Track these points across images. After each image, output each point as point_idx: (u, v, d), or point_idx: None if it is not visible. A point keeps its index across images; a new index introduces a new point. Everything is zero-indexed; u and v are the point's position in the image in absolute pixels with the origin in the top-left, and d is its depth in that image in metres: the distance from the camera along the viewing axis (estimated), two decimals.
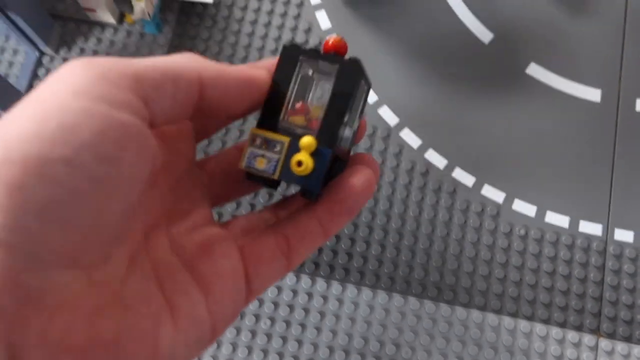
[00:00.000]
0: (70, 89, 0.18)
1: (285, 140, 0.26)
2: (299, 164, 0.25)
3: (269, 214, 0.29)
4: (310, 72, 0.27)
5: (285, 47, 0.27)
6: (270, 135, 0.26)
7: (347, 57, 0.27)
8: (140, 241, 0.23)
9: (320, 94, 0.27)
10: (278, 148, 0.26)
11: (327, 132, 0.26)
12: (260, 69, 0.26)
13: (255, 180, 0.27)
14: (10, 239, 0.17)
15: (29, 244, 0.17)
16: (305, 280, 0.73)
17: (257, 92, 0.25)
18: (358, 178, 0.26)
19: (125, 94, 0.19)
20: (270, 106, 0.27)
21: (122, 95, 0.19)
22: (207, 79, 0.22)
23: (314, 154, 0.26)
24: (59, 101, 0.18)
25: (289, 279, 0.73)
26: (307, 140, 0.26)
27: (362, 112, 0.29)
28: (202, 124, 0.28)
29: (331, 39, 0.28)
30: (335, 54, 0.27)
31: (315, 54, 0.27)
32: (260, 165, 0.26)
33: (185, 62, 0.22)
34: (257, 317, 0.72)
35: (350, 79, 0.26)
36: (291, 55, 0.27)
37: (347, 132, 0.28)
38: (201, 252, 0.23)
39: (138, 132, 0.19)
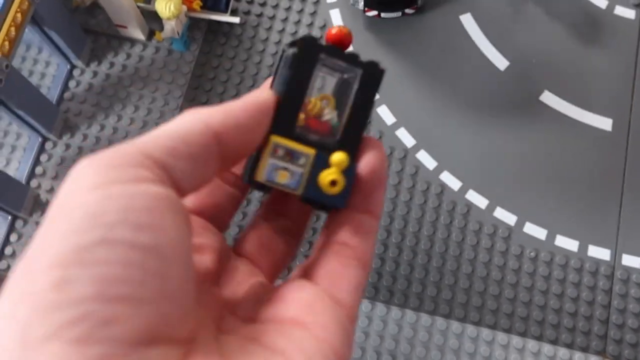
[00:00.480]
0: (84, 185, 0.18)
1: (311, 152, 0.24)
2: (333, 183, 0.24)
3: (272, 225, 0.27)
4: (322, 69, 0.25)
5: (305, 41, 0.25)
6: (294, 145, 0.24)
7: (350, 51, 0.26)
8: (218, 314, 0.23)
9: (320, 85, 0.25)
10: (303, 161, 0.24)
11: (351, 144, 0.25)
12: (264, 90, 0.25)
13: (257, 188, 0.26)
14: (82, 332, 0.16)
15: (103, 330, 0.17)
16: None
17: (269, 114, 0.24)
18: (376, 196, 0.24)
19: (136, 169, 0.19)
20: (287, 107, 0.24)
21: (133, 172, 0.19)
22: (216, 125, 0.21)
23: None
24: (77, 198, 0.18)
25: None
26: (340, 157, 0.24)
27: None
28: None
29: (335, 28, 0.26)
30: (354, 55, 0.25)
31: (337, 54, 0.25)
32: (282, 179, 0.24)
33: (189, 118, 0.21)
34: None
35: (372, 85, 0.25)
36: (310, 52, 0.25)
37: None
38: (270, 321, 0.22)
39: (163, 196, 0.19)
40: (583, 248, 0.77)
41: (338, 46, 0.25)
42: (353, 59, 0.25)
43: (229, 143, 0.22)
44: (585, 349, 0.73)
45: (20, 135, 0.84)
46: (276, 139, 0.24)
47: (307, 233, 0.31)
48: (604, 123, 0.82)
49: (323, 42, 0.25)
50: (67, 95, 0.86)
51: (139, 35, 0.86)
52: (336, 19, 0.88)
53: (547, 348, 0.73)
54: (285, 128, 0.24)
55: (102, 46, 0.87)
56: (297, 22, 0.88)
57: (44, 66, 0.87)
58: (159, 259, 0.18)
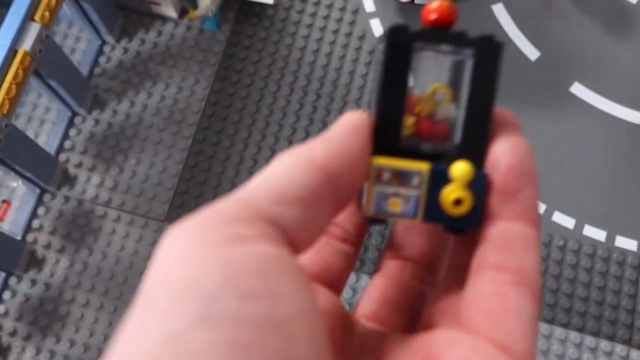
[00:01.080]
0: (175, 256, 0.15)
1: (424, 168, 0.19)
2: (457, 202, 0.19)
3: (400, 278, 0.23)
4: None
5: (391, 33, 0.20)
6: (401, 164, 0.19)
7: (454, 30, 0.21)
8: None
9: (428, 76, 0.21)
10: (416, 181, 0.19)
11: (475, 147, 0.20)
12: (351, 115, 0.20)
13: (374, 223, 0.21)
14: None
15: None
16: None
17: (368, 133, 0.20)
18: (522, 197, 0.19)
19: (238, 227, 0.16)
20: (385, 117, 0.20)
21: (235, 231, 0.16)
22: (320, 158, 0.18)
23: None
24: (167, 272, 0.15)
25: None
26: (462, 169, 0.19)
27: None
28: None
29: (434, 2, 0.20)
30: (459, 33, 0.20)
31: (434, 37, 0.20)
32: (395, 207, 0.20)
33: (288, 158, 0.18)
34: None
35: (491, 66, 0.20)
36: (400, 44, 0.20)
37: None
38: None
39: (275, 256, 0.16)
40: (611, 238, 0.77)
41: (439, 26, 0.20)
42: (459, 38, 0.20)
43: (339, 176, 0.18)
44: (611, 338, 0.74)
45: (49, 109, 0.84)
46: (378, 161, 0.19)
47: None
48: (634, 116, 0.82)
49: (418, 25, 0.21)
50: (97, 71, 0.85)
51: (172, 12, 0.86)
52: (369, 4, 0.88)
53: (573, 335, 0.74)
54: (387, 144, 0.20)
55: (134, 23, 0.87)
56: (330, 6, 0.88)
57: (74, 41, 0.87)
58: (278, 335, 0.14)
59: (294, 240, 0.17)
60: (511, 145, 0.19)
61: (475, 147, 0.20)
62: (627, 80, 0.84)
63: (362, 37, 0.86)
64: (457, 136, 0.20)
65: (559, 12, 0.87)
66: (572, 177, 0.80)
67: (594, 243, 0.77)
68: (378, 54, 0.21)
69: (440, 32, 0.20)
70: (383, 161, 0.19)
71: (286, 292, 0.15)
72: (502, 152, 0.19)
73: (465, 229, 0.20)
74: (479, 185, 0.19)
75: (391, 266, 0.23)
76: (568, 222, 0.78)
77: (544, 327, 0.74)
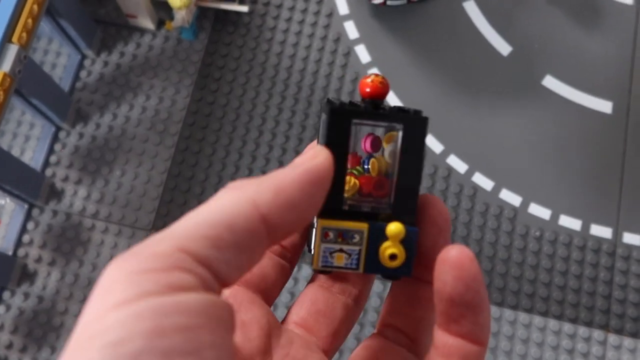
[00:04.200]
0: (110, 301, 0.16)
1: (364, 227, 0.22)
2: (392, 257, 0.22)
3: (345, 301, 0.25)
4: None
5: (332, 110, 0.22)
6: (344, 225, 0.22)
7: (388, 98, 0.25)
8: None
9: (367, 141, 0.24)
10: (357, 238, 0.22)
11: (406, 206, 0.23)
12: (319, 153, 0.21)
13: (319, 272, 0.24)
14: None
15: None
16: None
17: (326, 184, 0.20)
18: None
19: (172, 274, 0.17)
20: (331, 188, 0.21)
21: (168, 278, 0.17)
22: (264, 205, 0.19)
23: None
24: (99, 320, 0.16)
25: None
26: (395, 230, 0.22)
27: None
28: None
29: (370, 79, 0.23)
30: (393, 109, 0.23)
31: (371, 115, 0.23)
32: (339, 261, 0.23)
33: (234, 198, 0.19)
34: None
35: (417, 138, 0.23)
36: (341, 119, 0.22)
37: None
38: None
39: (202, 308, 0.17)
40: (586, 227, 0.80)
41: (373, 98, 0.23)
42: (390, 114, 0.23)
43: (279, 225, 0.19)
44: (589, 324, 0.76)
45: (34, 125, 0.85)
46: (324, 223, 0.22)
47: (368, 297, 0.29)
48: (605, 106, 0.84)
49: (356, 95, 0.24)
50: (78, 85, 0.87)
51: (149, 24, 0.87)
52: (342, 7, 0.89)
53: (552, 323, 0.76)
54: (331, 207, 0.22)
55: (112, 36, 0.89)
56: (304, 11, 0.89)
57: (54, 57, 0.88)
58: None
59: (224, 279, 0.18)
60: (435, 227, 0.22)
61: (406, 207, 0.23)
62: (598, 71, 0.86)
63: (337, 40, 0.88)
64: (391, 197, 0.23)
65: (529, 7, 0.89)
66: (547, 168, 0.82)
67: (570, 232, 0.80)
68: (322, 120, 0.23)
69: (375, 107, 0.23)
70: (327, 223, 0.22)
71: (208, 345, 0.16)
72: (429, 231, 0.22)
73: (399, 277, 0.23)
74: (410, 240, 0.22)
75: (323, 278, 0.25)
76: (544, 213, 0.80)
77: (522, 316, 0.76)
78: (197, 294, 0.17)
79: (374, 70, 0.86)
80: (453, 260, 0.19)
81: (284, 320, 0.25)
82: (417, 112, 0.23)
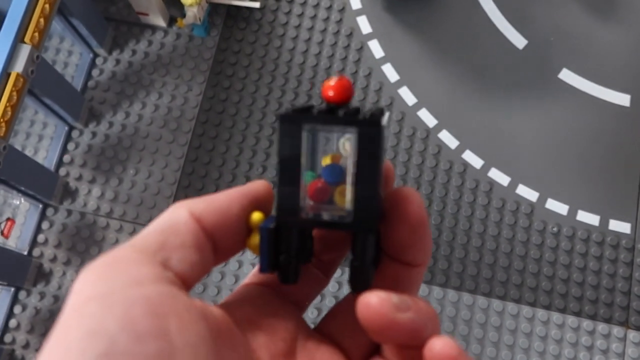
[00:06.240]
0: (84, 296, 0.18)
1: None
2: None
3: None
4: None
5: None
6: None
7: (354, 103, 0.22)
8: None
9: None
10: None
11: (366, 214, 0.22)
12: (253, 183, 0.24)
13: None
14: None
15: None
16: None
17: (258, 195, 0.23)
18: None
19: (136, 269, 0.19)
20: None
21: (133, 273, 0.19)
22: (198, 211, 0.22)
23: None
24: (77, 313, 0.18)
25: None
26: (256, 215, 0.22)
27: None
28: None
29: (332, 81, 0.22)
30: (346, 113, 0.22)
31: (322, 119, 0.22)
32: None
33: (173, 209, 0.22)
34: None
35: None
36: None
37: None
38: None
39: (165, 297, 0.19)
40: (604, 222, 0.79)
41: (336, 103, 0.22)
42: (346, 117, 0.21)
43: (214, 229, 0.22)
44: (608, 320, 0.75)
45: (47, 125, 0.85)
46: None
47: None
48: (623, 99, 0.83)
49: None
50: (90, 83, 0.87)
51: (160, 22, 0.87)
52: (355, 1, 0.89)
53: (571, 320, 0.75)
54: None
55: (124, 34, 0.88)
56: (316, 5, 0.88)
57: (66, 55, 0.88)
58: None
59: (182, 277, 0.20)
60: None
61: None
62: (615, 64, 0.84)
63: (349, 35, 0.87)
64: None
65: None
66: (564, 163, 0.81)
67: (588, 228, 0.79)
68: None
69: (330, 111, 0.22)
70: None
71: (175, 329, 0.18)
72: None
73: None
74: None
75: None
76: (561, 208, 0.79)
77: (540, 313, 0.76)
78: (159, 286, 0.19)
79: (387, 66, 0.86)
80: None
81: (316, 328, 0.25)
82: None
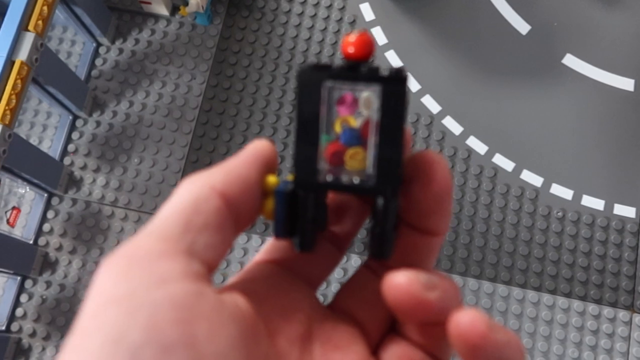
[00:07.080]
0: (106, 299, 0.17)
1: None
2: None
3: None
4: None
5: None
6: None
7: (375, 60, 0.21)
8: None
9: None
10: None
11: (389, 177, 0.20)
12: (255, 142, 0.22)
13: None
14: None
15: None
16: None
17: (270, 157, 0.22)
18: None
19: (159, 265, 0.18)
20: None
21: (157, 270, 0.18)
22: (219, 185, 0.20)
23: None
24: (98, 317, 0.17)
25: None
26: (270, 180, 0.21)
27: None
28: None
29: (352, 36, 0.21)
30: (370, 69, 0.21)
31: (344, 74, 0.21)
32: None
33: (192, 186, 0.20)
34: None
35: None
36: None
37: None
38: None
39: (193, 298, 0.17)
40: (609, 206, 0.78)
41: (356, 60, 0.21)
42: (368, 74, 0.21)
43: (237, 200, 0.20)
44: (613, 304, 0.75)
45: (51, 114, 0.85)
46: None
47: None
48: (627, 83, 0.83)
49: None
50: (94, 73, 0.87)
51: (163, 10, 0.87)
52: None
53: (576, 304, 0.75)
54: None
55: (127, 23, 0.88)
56: None
57: (69, 45, 0.88)
58: None
59: (207, 261, 0.19)
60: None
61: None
62: (619, 48, 0.84)
63: (352, 22, 0.87)
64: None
65: None
66: (568, 148, 0.81)
67: (593, 212, 0.79)
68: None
69: (351, 69, 0.21)
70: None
71: (204, 337, 0.17)
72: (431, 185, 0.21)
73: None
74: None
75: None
76: (566, 193, 0.79)
77: (546, 298, 0.76)
78: (186, 284, 0.17)
79: (391, 53, 0.85)
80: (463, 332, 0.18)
81: (330, 305, 0.23)
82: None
